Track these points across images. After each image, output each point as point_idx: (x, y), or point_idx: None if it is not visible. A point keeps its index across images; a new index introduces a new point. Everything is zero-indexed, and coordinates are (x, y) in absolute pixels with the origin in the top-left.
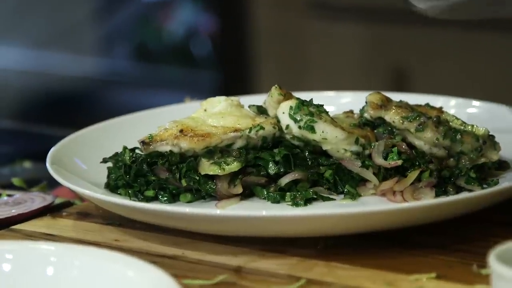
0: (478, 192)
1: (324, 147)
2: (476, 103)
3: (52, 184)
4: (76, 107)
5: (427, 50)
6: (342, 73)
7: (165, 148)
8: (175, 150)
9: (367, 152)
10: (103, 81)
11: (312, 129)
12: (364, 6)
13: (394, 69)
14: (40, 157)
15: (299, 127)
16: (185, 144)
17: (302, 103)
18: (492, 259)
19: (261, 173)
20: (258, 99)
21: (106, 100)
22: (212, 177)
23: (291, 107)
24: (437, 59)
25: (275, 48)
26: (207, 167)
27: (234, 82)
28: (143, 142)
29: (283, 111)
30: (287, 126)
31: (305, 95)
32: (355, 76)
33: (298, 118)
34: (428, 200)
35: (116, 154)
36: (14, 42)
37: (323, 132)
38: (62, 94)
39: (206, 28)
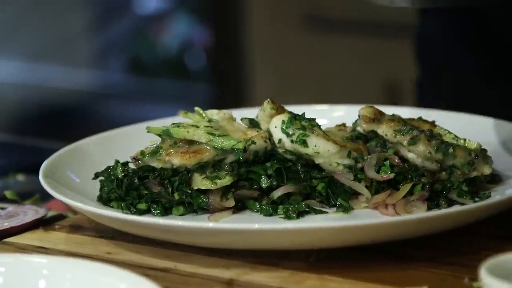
0: (470, 205)
1: (317, 161)
2: (468, 117)
3: (44, 198)
4: (70, 119)
5: None
6: (335, 86)
7: (157, 164)
8: (167, 166)
9: (359, 165)
10: (97, 94)
11: (304, 143)
12: (358, 20)
13: (387, 82)
14: (33, 170)
15: (292, 141)
16: (176, 161)
17: (294, 117)
18: (483, 272)
19: (254, 186)
20: (250, 113)
21: (100, 113)
22: (204, 191)
23: (283, 121)
24: None
25: (269, 61)
26: (199, 182)
27: (228, 95)
28: (135, 159)
29: (275, 125)
30: (280, 140)
31: (297, 109)
32: (348, 89)
33: (291, 132)
34: (420, 213)
35: (108, 168)
36: (8, 55)
37: (315, 146)
38: (57, 107)
39: (201, 41)
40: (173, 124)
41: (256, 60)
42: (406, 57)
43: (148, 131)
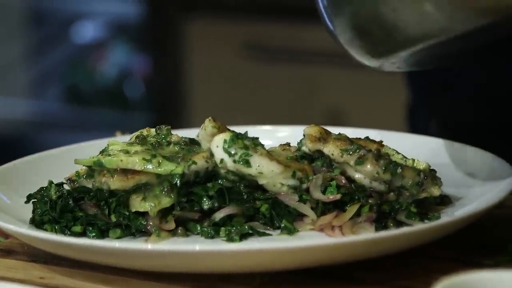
0: (418, 226)
1: (260, 182)
2: (416, 137)
3: None
4: (6, 149)
5: (362, 91)
6: (277, 114)
7: (93, 185)
8: (104, 187)
9: (304, 186)
10: (34, 123)
11: (247, 163)
12: (298, 49)
13: (328, 111)
14: None
15: (234, 161)
16: (113, 183)
17: (236, 136)
18: None
19: (195, 208)
20: (191, 133)
21: (38, 143)
22: (143, 213)
23: (225, 141)
24: (371, 99)
25: (210, 91)
26: (137, 204)
27: (167, 124)
28: (70, 180)
29: (217, 145)
30: (222, 160)
31: (240, 129)
32: (290, 118)
33: (233, 152)
34: (367, 234)
35: (42, 189)
36: None
37: (258, 166)
38: None
39: (139, 71)
40: (103, 153)
41: (196, 89)
42: (348, 85)
43: (76, 163)
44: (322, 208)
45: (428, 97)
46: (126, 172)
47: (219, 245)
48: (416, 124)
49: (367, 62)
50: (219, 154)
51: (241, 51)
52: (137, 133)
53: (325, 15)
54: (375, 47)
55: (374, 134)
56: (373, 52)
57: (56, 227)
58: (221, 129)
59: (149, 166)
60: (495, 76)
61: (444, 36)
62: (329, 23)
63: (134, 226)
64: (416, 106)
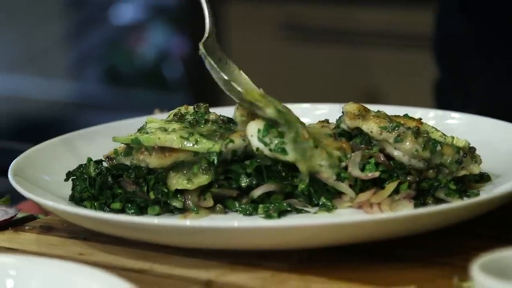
0: (457, 203)
1: (299, 166)
2: (455, 115)
3: (15, 199)
4: (47, 130)
5: (400, 70)
6: (313, 94)
7: (131, 163)
8: (142, 165)
9: (343, 164)
10: (74, 104)
11: (283, 151)
12: (334, 29)
13: (365, 90)
14: (4, 172)
15: (270, 150)
16: (151, 160)
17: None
18: (475, 270)
19: (233, 185)
20: (229, 111)
21: (77, 123)
22: (181, 190)
23: (259, 130)
24: (410, 79)
25: (247, 70)
26: (175, 181)
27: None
28: (108, 157)
29: (251, 134)
30: (258, 149)
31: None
32: (326, 98)
33: (268, 142)
34: (406, 211)
35: (81, 166)
36: None
37: None
38: (33, 118)
39: (178, 51)
40: (141, 131)
41: None
42: (387, 65)
43: (114, 141)
44: (360, 186)
45: (462, 78)
46: (163, 150)
47: (258, 222)
48: (447, 103)
49: None
50: (255, 143)
51: (280, 31)
52: (175, 110)
53: None
54: None
55: (413, 112)
56: None
57: (96, 204)
58: (250, 117)
59: (187, 144)
60: None
61: None
62: None
63: (172, 203)
64: (446, 86)
